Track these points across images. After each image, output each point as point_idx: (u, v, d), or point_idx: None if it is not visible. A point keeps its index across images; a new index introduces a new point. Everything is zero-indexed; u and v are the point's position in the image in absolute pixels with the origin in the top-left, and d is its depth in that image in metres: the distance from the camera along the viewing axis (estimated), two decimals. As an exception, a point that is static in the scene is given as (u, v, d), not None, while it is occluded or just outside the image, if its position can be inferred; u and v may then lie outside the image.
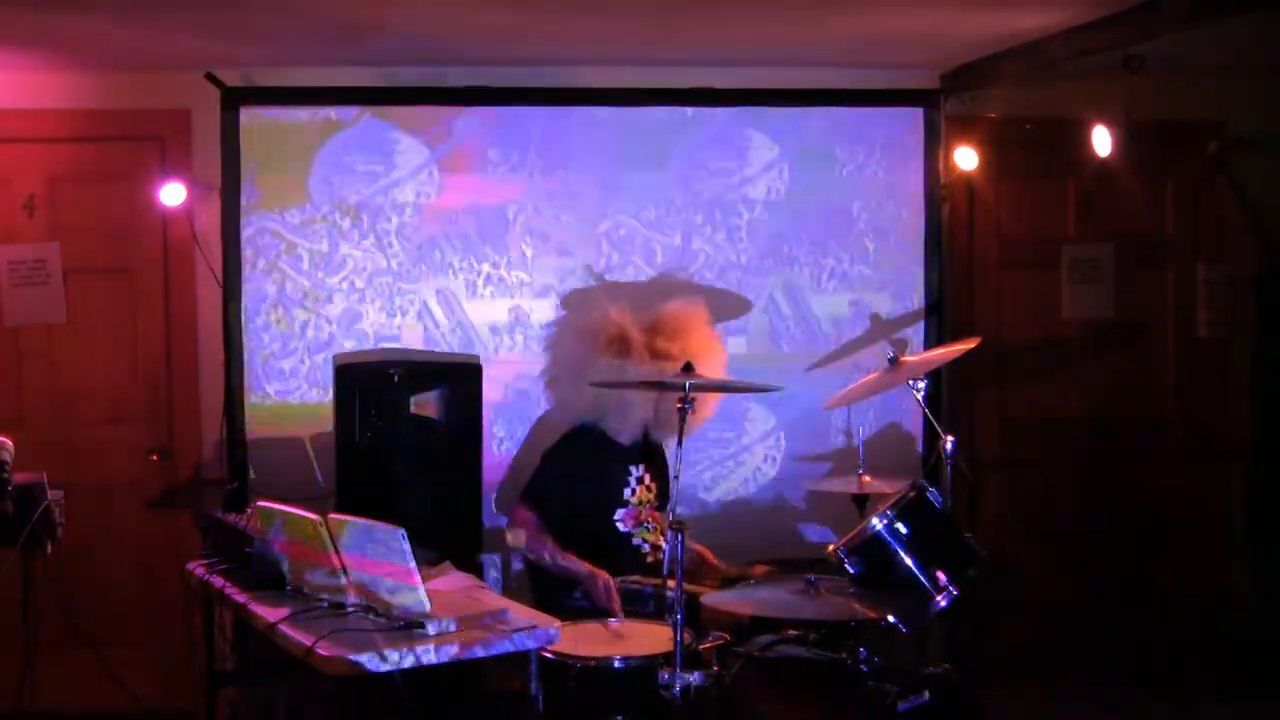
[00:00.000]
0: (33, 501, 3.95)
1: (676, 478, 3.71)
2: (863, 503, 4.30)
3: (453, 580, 3.70)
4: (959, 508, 5.10)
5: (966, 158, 5.19)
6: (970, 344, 4.31)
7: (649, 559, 4.33)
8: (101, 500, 5.04)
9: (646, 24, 4.49)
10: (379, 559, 3.20)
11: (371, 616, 3.27)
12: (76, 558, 4.63)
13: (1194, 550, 5.63)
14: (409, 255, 5.07)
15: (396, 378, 4.51)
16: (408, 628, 3.17)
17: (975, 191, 5.44)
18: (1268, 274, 5.61)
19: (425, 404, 4.58)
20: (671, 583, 3.39)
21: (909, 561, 3.75)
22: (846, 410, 5.24)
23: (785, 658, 3.72)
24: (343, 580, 3.33)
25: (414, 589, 3.15)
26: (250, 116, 4.94)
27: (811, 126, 5.24)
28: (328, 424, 4.85)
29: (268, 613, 3.35)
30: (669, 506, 3.77)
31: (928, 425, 4.89)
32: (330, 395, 4.92)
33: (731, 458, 5.28)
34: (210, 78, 4.85)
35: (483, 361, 4.96)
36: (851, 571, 3.80)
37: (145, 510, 5.12)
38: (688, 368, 3.91)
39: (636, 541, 4.33)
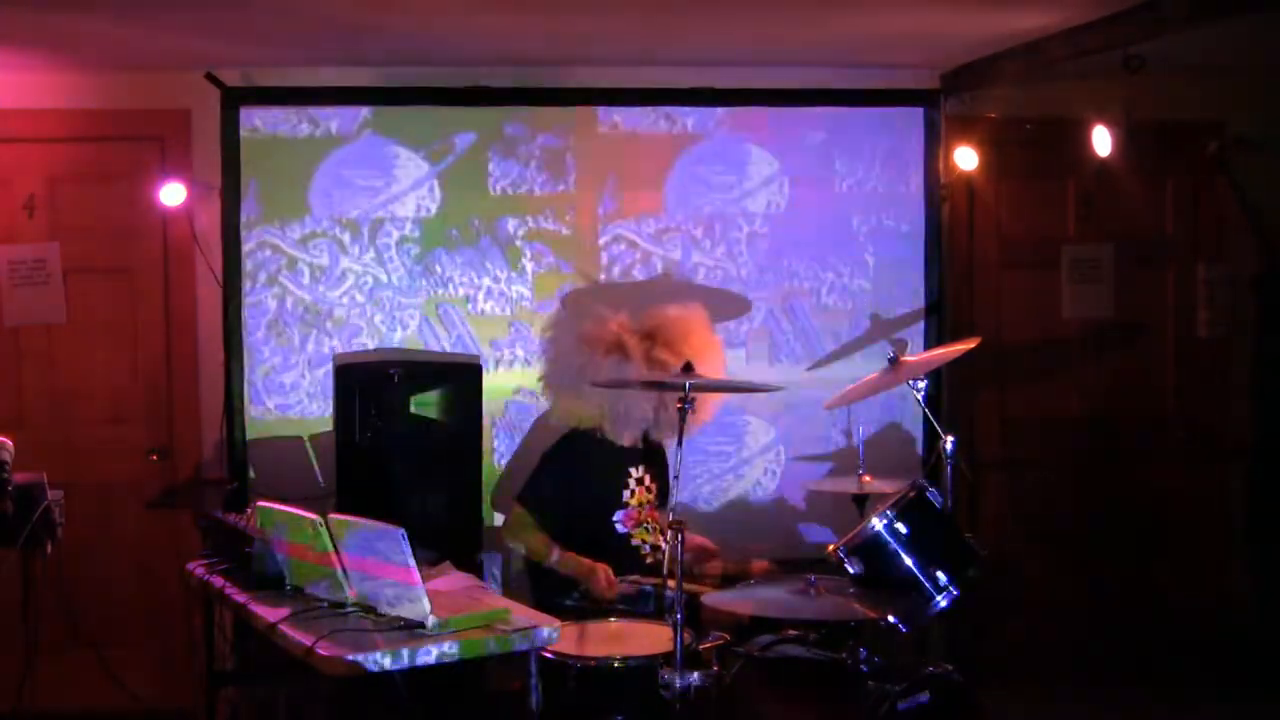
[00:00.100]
0: (33, 501, 3.95)
1: (677, 477, 3.71)
2: (863, 503, 4.30)
3: (453, 580, 3.70)
4: (959, 508, 5.09)
5: (966, 158, 5.19)
6: (970, 344, 4.31)
7: (648, 560, 4.32)
8: (101, 500, 5.04)
9: (646, 24, 4.49)
10: (379, 559, 3.20)
11: (371, 616, 3.27)
12: (76, 558, 4.63)
13: (1194, 550, 5.63)
14: (409, 270, 5.08)
15: (396, 378, 4.51)
16: (408, 628, 3.17)
17: (975, 191, 5.45)
18: (1268, 274, 5.61)
19: (425, 404, 4.58)
20: (671, 582, 3.39)
21: (909, 561, 3.75)
22: (846, 410, 5.24)
23: (785, 658, 3.72)
24: (343, 580, 3.33)
25: (414, 589, 3.15)
26: (251, 132, 4.96)
27: (811, 140, 5.24)
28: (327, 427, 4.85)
29: (268, 613, 3.35)
30: (669, 506, 3.77)
31: (928, 425, 4.89)
32: (331, 409, 4.92)
33: (731, 471, 5.28)
34: (210, 78, 4.85)
35: (484, 376, 4.91)
36: (851, 571, 3.80)
37: (145, 510, 5.12)
38: (688, 368, 3.91)
39: (635, 542, 4.33)
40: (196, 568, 3.84)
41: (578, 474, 4.31)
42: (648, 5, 4.22)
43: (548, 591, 4.22)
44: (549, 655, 3.49)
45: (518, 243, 5.12)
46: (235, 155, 4.93)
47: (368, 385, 4.55)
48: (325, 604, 3.37)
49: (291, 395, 5.05)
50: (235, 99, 4.92)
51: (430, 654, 3.09)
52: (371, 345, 5.06)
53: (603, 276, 5.16)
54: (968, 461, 5.07)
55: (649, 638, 3.67)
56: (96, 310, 5.11)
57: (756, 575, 4.27)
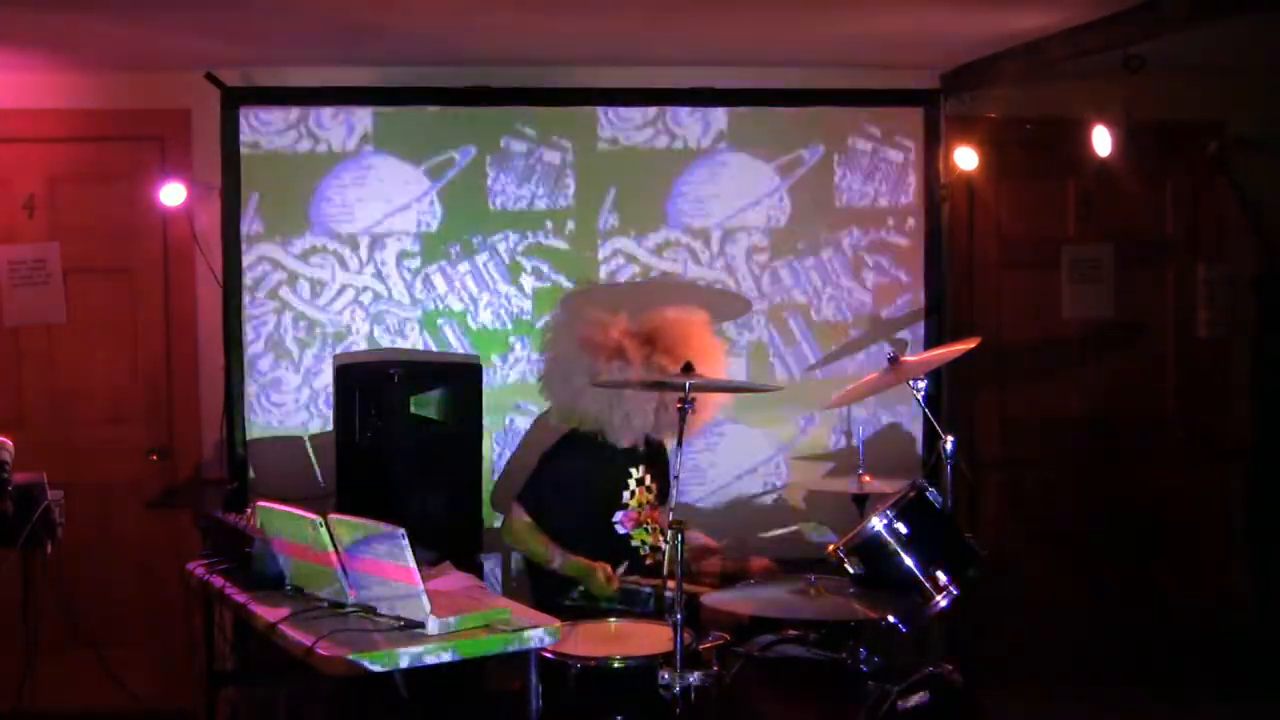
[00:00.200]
0: (33, 501, 3.95)
1: (677, 477, 3.71)
2: (863, 503, 4.30)
3: (453, 580, 3.70)
4: (959, 508, 5.09)
5: (966, 158, 5.19)
6: (970, 344, 4.31)
7: (648, 561, 4.32)
8: (101, 500, 5.04)
9: (646, 24, 4.49)
10: (379, 559, 3.20)
11: (372, 616, 3.26)
12: (76, 558, 4.63)
13: (1194, 550, 5.63)
14: (409, 284, 5.08)
15: (396, 378, 4.51)
16: (408, 628, 3.17)
17: (975, 191, 5.44)
18: (1268, 274, 5.61)
19: (425, 404, 4.58)
20: (671, 583, 3.39)
21: (909, 561, 3.75)
22: (846, 410, 5.24)
23: (785, 658, 3.72)
24: (343, 580, 3.33)
25: (414, 589, 3.15)
26: (252, 148, 4.96)
27: (811, 155, 5.24)
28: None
29: (268, 613, 3.35)
30: (669, 505, 3.77)
31: (928, 425, 4.89)
32: (330, 424, 4.92)
33: (728, 486, 5.29)
34: (210, 78, 4.85)
35: (484, 393, 4.90)
36: (851, 571, 3.79)
37: (145, 510, 5.12)
38: (688, 368, 3.90)
39: (635, 543, 4.33)
40: (196, 568, 3.84)
41: (578, 475, 4.30)
42: (648, 5, 4.22)
43: (548, 591, 4.22)
44: (549, 655, 3.48)
45: (517, 257, 5.12)
46: (235, 155, 4.93)
47: (368, 385, 4.55)
48: (325, 604, 3.37)
49: (291, 410, 5.05)
50: (235, 99, 4.92)
51: (430, 654, 3.08)
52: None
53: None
54: (968, 461, 5.06)
55: (649, 638, 3.66)
56: (96, 310, 5.11)
57: (756, 573, 4.27)
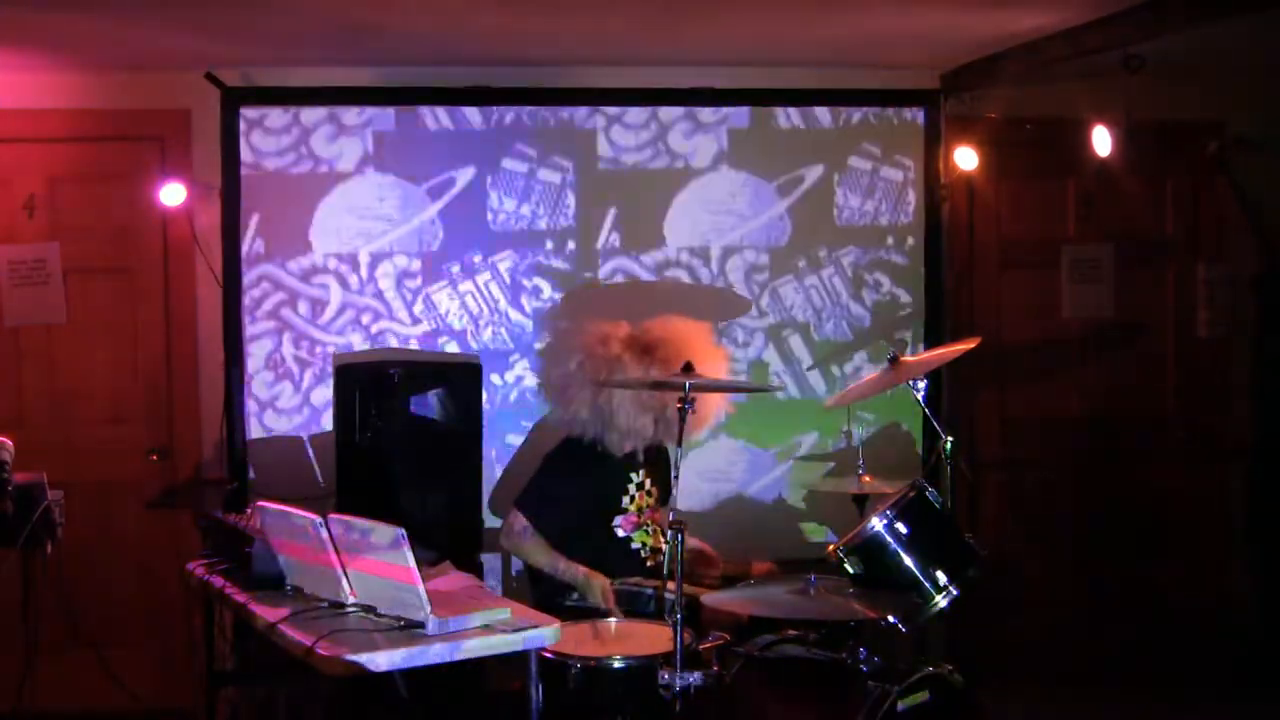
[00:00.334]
0: (33, 501, 3.95)
1: (676, 478, 3.70)
2: (863, 503, 4.30)
3: (453, 580, 3.70)
4: (959, 508, 5.10)
5: (966, 158, 5.19)
6: (970, 344, 4.30)
7: (648, 563, 4.31)
8: (101, 500, 5.04)
9: (646, 24, 4.49)
10: (379, 559, 3.20)
11: (372, 616, 3.26)
12: (76, 558, 4.63)
13: (1194, 550, 5.63)
14: (409, 304, 5.08)
15: (396, 378, 4.51)
16: (408, 628, 3.17)
17: (975, 191, 5.45)
18: (1268, 274, 5.61)
19: (425, 404, 4.58)
20: (671, 585, 3.39)
21: (909, 561, 3.74)
22: (846, 410, 5.24)
23: (785, 658, 3.71)
24: (343, 580, 3.33)
25: (414, 589, 3.15)
26: (252, 169, 4.97)
27: (811, 173, 5.25)
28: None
29: (268, 613, 3.35)
30: (669, 505, 3.76)
31: (928, 425, 4.89)
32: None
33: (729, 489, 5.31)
34: (210, 78, 4.85)
35: (487, 412, 4.92)
36: (851, 571, 3.79)
37: (145, 510, 5.12)
38: (688, 368, 3.90)
39: (635, 546, 4.32)
40: (196, 568, 3.84)
41: (577, 481, 4.26)
42: (647, 5, 4.22)
43: (548, 591, 4.21)
44: (549, 655, 3.48)
45: (518, 277, 5.13)
46: (235, 155, 4.93)
47: (368, 385, 4.55)
48: (325, 604, 3.37)
49: (288, 429, 5.06)
50: (235, 99, 4.91)
51: (430, 654, 3.09)
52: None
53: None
54: (968, 461, 5.07)
55: (649, 638, 3.67)
56: (96, 310, 5.12)
57: (757, 577, 4.27)
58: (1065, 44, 4.51)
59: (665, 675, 3.36)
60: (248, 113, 4.96)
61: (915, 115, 5.28)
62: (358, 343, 5.08)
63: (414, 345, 5.10)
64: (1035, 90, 5.15)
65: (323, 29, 4.45)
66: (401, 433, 4.50)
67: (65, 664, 4.81)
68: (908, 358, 4.30)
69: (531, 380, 5.12)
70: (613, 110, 5.15)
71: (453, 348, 5.11)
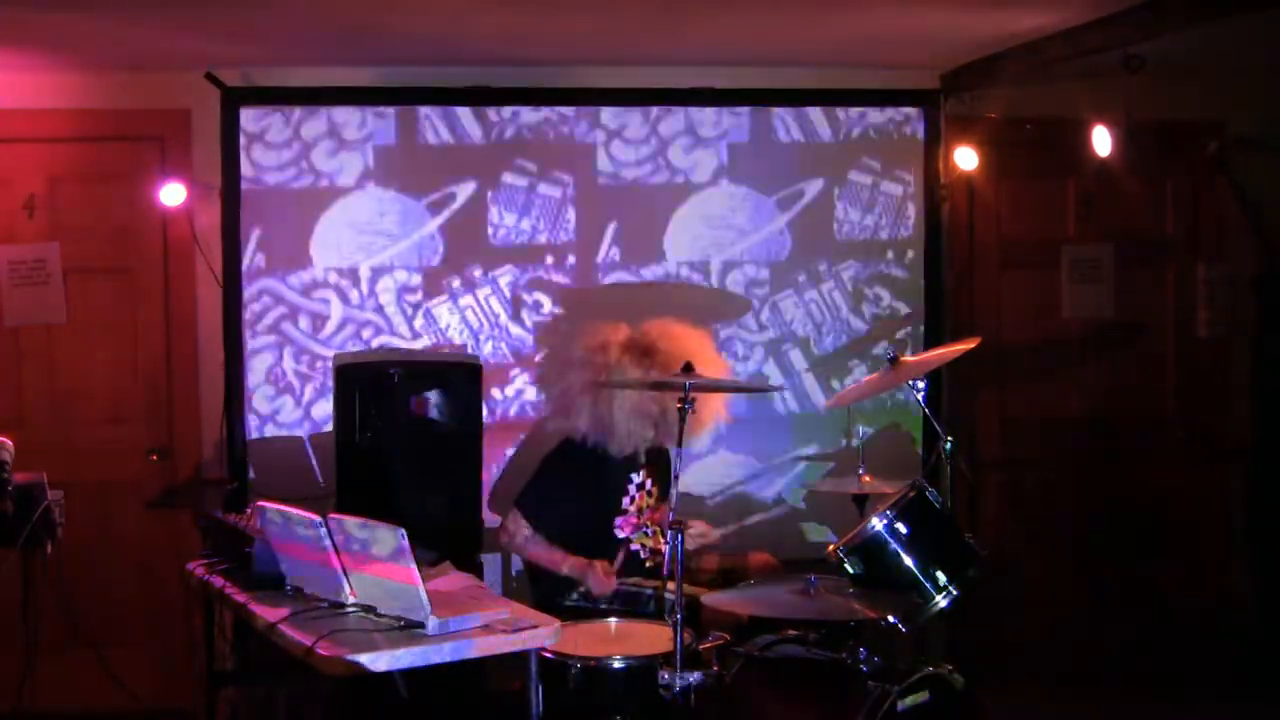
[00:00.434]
0: (33, 501, 3.95)
1: (677, 478, 3.70)
2: (863, 503, 4.29)
3: (453, 580, 3.70)
4: (959, 508, 5.10)
5: (966, 158, 5.19)
6: (970, 344, 4.30)
7: (648, 563, 4.31)
8: (101, 500, 5.04)
9: (646, 24, 4.49)
10: (379, 559, 3.20)
11: (372, 616, 3.27)
12: (76, 558, 4.63)
13: (1194, 550, 5.63)
14: (410, 318, 5.09)
15: (396, 378, 4.51)
16: (408, 628, 3.17)
17: (975, 191, 5.45)
18: (1268, 274, 5.61)
19: (425, 404, 4.58)
20: (671, 585, 3.39)
21: (909, 561, 3.75)
22: (846, 410, 5.24)
23: (785, 658, 3.71)
24: (343, 580, 3.33)
25: (414, 589, 3.15)
26: (253, 183, 4.97)
27: (811, 187, 5.25)
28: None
29: (268, 613, 3.35)
30: (669, 505, 3.76)
31: (928, 425, 4.89)
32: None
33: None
34: (210, 78, 4.85)
35: (488, 426, 4.90)
36: (851, 571, 3.79)
37: (145, 510, 5.12)
38: (688, 368, 3.89)
39: (635, 547, 4.32)
40: (196, 568, 3.84)
41: (576, 481, 4.27)
42: (648, 5, 4.22)
43: (548, 591, 4.22)
44: (549, 655, 3.49)
45: (519, 291, 5.14)
46: (235, 155, 4.93)
47: (368, 385, 4.55)
48: (325, 604, 3.37)
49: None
50: (235, 99, 4.91)
51: (430, 654, 3.09)
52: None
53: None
54: (968, 461, 5.07)
55: (649, 638, 3.67)
56: (96, 310, 5.11)
57: (754, 568, 4.27)
58: (1065, 44, 4.50)
59: (665, 675, 3.36)
60: (249, 127, 4.97)
61: (915, 129, 5.28)
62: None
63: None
64: (1035, 90, 5.15)
65: (323, 29, 4.45)
66: (401, 433, 4.50)
67: (65, 664, 4.81)
68: (908, 358, 4.30)
69: (532, 394, 5.13)
70: (613, 125, 5.15)
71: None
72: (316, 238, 5.04)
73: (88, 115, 5.03)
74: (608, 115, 5.15)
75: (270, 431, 5.05)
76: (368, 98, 5.04)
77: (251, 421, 5.01)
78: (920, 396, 4.14)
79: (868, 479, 4.29)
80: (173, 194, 4.89)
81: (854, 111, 5.26)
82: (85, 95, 5.02)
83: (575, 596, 4.15)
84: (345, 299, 5.07)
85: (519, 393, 5.15)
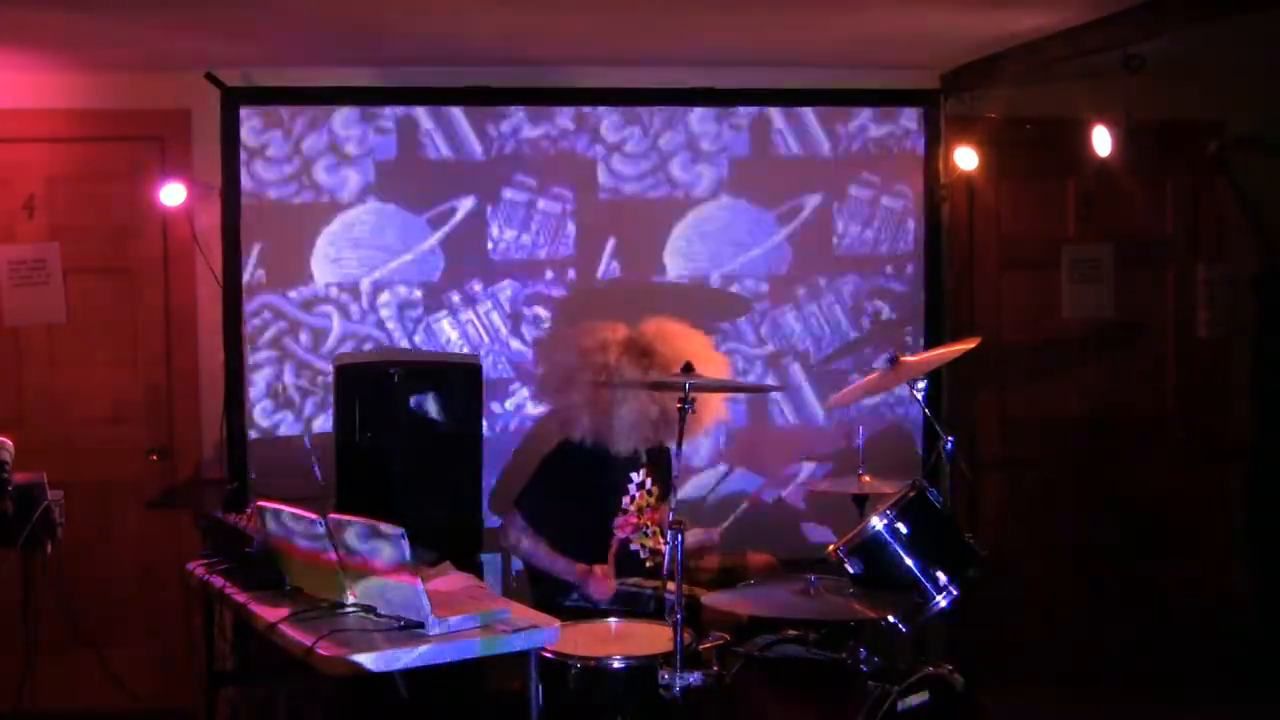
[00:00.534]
0: (33, 501, 3.95)
1: (677, 477, 3.70)
2: (863, 503, 4.29)
3: (453, 580, 3.70)
4: (959, 508, 5.12)
5: (966, 158, 5.19)
6: (970, 344, 4.30)
7: (648, 564, 4.31)
8: (101, 500, 5.04)
9: (646, 24, 4.49)
10: (379, 559, 3.20)
11: (372, 616, 3.27)
12: (76, 558, 4.62)
13: (1194, 550, 5.63)
14: (410, 333, 5.09)
15: (396, 378, 4.51)
16: (408, 628, 3.17)
17: (975, 191, 5.44)
18: (1268, 274, 5.61)
19: (425, 404, 4.58)
20: (671, 585, 3.39)
21: (909, 561, 3.75)
22: (846, 410, 5.25)
23: (785, 658, 3.71)
24: (343, 580, 3.33)
25: (414, 589, 3.15)
26: (254, 198, 4.97)
27: (810, 202, 5.25)
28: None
29: (268, 613, 3.35)
30: (670, 504, 3.76)
31: (928, 425, 4.89)
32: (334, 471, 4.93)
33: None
34: (210, 78, 4.85)
35: (487, 440, 4.91)
36: (851, 571, 3.80)
37: (145, 510, 5.12)
38: (688, 368, 3.90)
39: (634, 548, 4.32)
40: (196, 568, 3.84)
41: (576, 483, 4.26)
42: (647, 5, 4.22)
43: (548, 591, 4.22)
44: (549, 655, 3.49)
45: (519, 306, 5.14)
46: (235, 155, 4.94)
47: (368, 385, 4.55)
48: (325, 604, 3.37)
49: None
50: (235, 99, 4.91)
51: (430, 654, 3.09)
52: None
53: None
54: (968, 461, 5.07)
55: (649, 638, 3.67)
56: (96, 310, 5.11)
57: (754, 568, 4.26)
58: (1065, 44, 4.50)
59: (665, 675, 3.36)
60: (250, 142, 4.97)
61: (915, 143, 5.29)
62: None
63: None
64: (1035, 90, 5.15)
65: (323, 29, 4.45)
66: (401, 433, 4.50)
67: (65, 664, 4.82)
68: (908, 358, 4.30)
69: (532, 409, 5.13)
70: (613, 139, 5.15)
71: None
72: (317, 252, 5.05)
73: (88, 115, 5.03)
74: (608, 129, 5.15)
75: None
76: (368, 98, 5.04)
77: (252, 435, 5.01)
78: (920, 396, 4.15)
79: (868, 479, 4.28)
80: (173, 194, 4.89)
81: (853, 125, 5.26)
82: (85, 95, 5.02)
83: (575, 597, 4.15)
84: (346, 314, 5.07)
85: (519, 406, 5.16)
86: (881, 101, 5.27)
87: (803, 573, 3.71)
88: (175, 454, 5.14)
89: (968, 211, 5.45)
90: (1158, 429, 5.62)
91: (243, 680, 4.67)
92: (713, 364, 4.26)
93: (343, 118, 5.03)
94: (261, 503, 3.58)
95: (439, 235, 5.10)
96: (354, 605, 3.32)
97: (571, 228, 5.16)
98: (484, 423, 4.87)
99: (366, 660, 2.99)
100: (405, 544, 3.12)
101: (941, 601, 3.72)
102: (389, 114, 5.04)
